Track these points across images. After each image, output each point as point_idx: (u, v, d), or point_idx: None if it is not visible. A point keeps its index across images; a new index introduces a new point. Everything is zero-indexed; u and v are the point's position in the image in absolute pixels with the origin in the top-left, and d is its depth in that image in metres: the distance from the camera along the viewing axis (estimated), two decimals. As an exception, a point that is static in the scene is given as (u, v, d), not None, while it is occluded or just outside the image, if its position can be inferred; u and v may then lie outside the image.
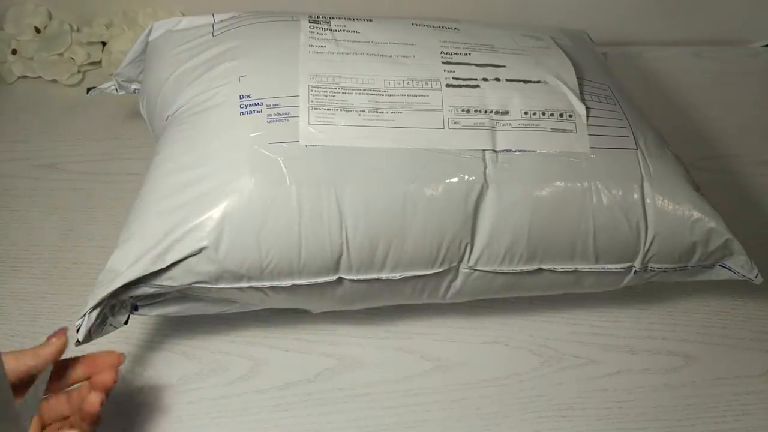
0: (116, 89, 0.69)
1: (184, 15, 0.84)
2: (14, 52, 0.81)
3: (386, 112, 0.53)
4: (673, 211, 0.55)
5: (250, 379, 0.58)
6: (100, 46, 0.83)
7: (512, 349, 0.62)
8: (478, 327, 0.63)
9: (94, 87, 0.69)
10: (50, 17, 0.83)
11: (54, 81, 0.81)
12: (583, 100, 0.57)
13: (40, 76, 0.81)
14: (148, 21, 0.82)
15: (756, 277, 0.58)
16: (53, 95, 0.80)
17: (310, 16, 0.60)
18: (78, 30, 0.83)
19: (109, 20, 0.84)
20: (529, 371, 0.60)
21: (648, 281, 0.60)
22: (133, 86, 0.69)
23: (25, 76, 0.81)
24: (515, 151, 0.54)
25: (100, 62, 0.83)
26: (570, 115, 0.56)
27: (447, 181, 0.52)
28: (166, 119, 0.57)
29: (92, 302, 0.48)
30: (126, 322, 0.52)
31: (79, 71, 0.82)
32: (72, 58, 0.81)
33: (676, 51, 0.96)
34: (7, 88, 0.81)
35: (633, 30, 0.96)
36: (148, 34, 0.64)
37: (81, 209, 0.69)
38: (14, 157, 0.73)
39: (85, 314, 0.48)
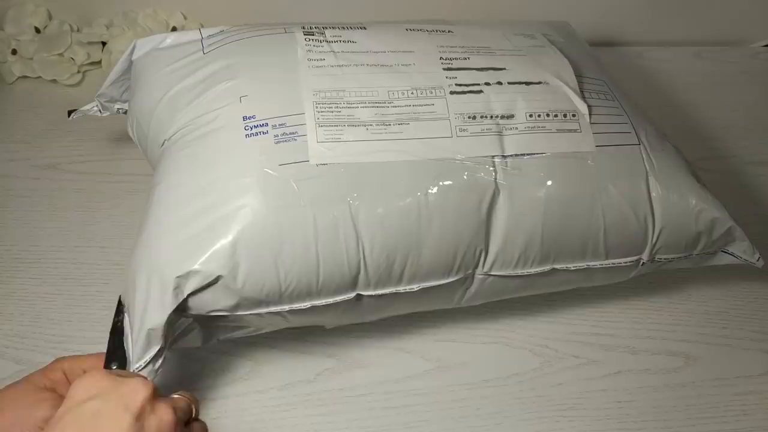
0: (99, 111, 0.65)
1: (185, 16, 0.84)
2: (14, 52, 0.81)
3: (393, 125, 0.52)
4: (678, 203, 0.56)
5: (250, 379, 0.58)
6: (100, 46, 0.83)
7: (512, 349, 0.62)
8: (478, 327, 0.63)
9: (76, 109, 0.66)
10: (50, 17, 0.83)
11: (54, 81, 0.81)
12: (584, 99, 0.57)
13: (40, 76, 0.81)
14: (148, 21, 0.82)
15: (758, 260, 0.59)
16: (53, 95, 0.80)
17: (304, 28, 0.57)
18: (78, 30, 0.83)
19: (109, 20, 0.83)
20: (529, 371, 0.60)
21: (654, 271, 0.60)
22: (117, 106, 0.65)
23: (25, 76, 0.81)
24: (523, 155, 0.54)
25: (100, 62, 0.83)
26: (573, 115, 0.56)
27: (459, 189, 0.51)
28: (162, 144, 0.54)
29: (138, 360, 0.46)
30: None
31: (79, 71, 0.82)
32: (72, 58, 0.81)
33: (676, 51, 0.96)
34: (7, 88, 0.81)
35: (633, 30, 0.96)
36: (131, 53, 0.60)
37: (81, 209, 0.69)
38: (14, 157, 0.73)
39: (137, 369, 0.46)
